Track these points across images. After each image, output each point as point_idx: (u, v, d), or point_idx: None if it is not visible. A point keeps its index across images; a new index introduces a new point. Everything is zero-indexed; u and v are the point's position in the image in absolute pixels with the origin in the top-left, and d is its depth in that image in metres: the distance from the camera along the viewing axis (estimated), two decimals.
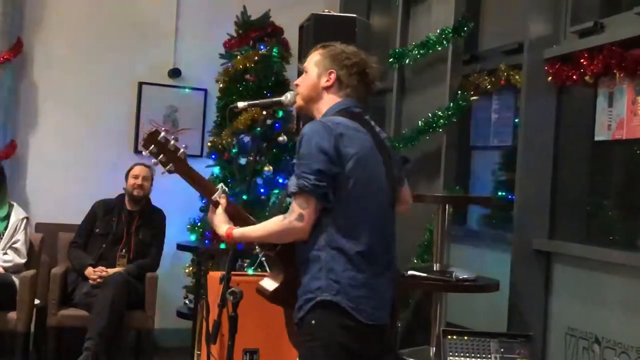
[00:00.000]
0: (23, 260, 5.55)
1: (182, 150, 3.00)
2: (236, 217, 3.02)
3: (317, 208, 2.75)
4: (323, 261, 2.77)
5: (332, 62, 2.98)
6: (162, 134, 2.93)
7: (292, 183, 2.76)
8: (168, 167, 2.97)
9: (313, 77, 3.01)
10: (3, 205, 5.62)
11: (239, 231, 2.92)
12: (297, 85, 3.09)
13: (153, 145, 2.96)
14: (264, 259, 4.74)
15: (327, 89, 2.99)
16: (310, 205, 2.73)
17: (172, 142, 2.97)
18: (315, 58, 3.04)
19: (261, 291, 3.08)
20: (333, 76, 2.97)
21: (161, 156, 2.94)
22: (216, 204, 2.96)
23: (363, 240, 2.80)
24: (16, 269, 5.47)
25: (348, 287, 2.75)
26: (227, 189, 3.01)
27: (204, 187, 3.03)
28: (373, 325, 2.79)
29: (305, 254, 2.82)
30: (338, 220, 2.77)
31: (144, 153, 2.97)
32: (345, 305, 2.74)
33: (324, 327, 2.75)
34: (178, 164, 2.95)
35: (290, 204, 2.79)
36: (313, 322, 2.77)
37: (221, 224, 2.95)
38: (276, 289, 3.00)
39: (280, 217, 2.80)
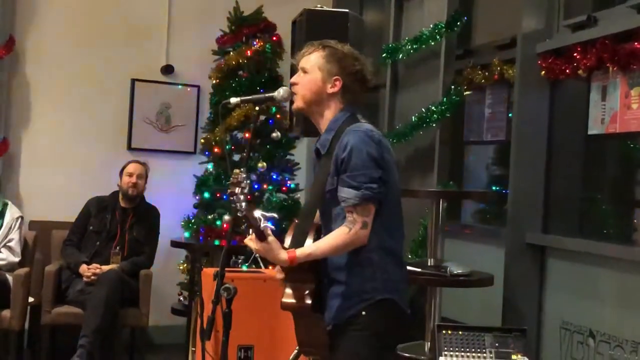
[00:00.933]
0: (17, 259, 5.54)
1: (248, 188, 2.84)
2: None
3: (374, 214, 2.85)
4: (376, 263, 2.90)
5: (338, 68, 2.98)
6: (242, 173, 2.79)
7: (352, 195, 2.81)
8: (244, 208, 2.78)
9: (317, 80, 2.99)
10: None
11: (303, 252, 2.88)
12: (294, 84, 3.07)
13: (238, 188, 2.78)
14: (257, 255, 4.75)
15: (331, 95, 2.99)
16: (371, 212, 2.84)
17: (247, 181, 2.82)
18: (317, 60, 3.01)
19: (294, 305, 2.99)
20: (339, 84, 2.98)
21: (242, 198, 2.78)
22: (263, 233, 2.85)
23: (400, 239, 3.00)
24: (10, 268, 5.46)
25: (399, 283, 2.95)
26: (265, 214, 2.92)
27: (253, 220, 2.85)
28: (409, 315, 3.02)
29: (354, 258, 2.90)
30: (384, 222, 2.89)
31: (231, 197, 2.82)
32: (398, 300, 2.92)
33: (374, 318, 2.88)
34: (250, 205, 2.85)
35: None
36: (363, 313, 2.88)
37: (279, 250, 2.87)
38: (314, 296, 2.96)
39: (345, 229, 2.84)
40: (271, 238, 2.87)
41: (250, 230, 2.88)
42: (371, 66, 3.10)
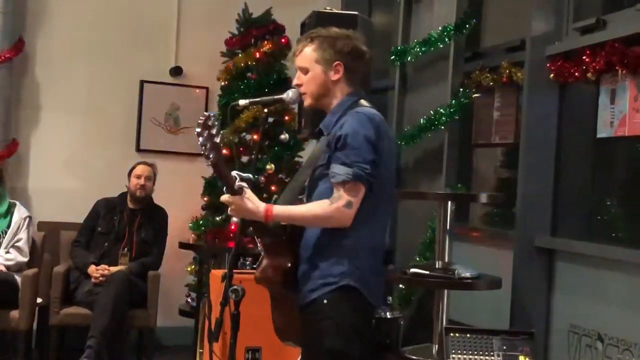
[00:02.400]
0: (25, 259, 5.55)
1: (220, 135, 2.76)
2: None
3: (362, 196, 2.81)
4: (347, 248, 2.85)
5: (333, 52, 2.99)
6: (212, 118, 2.71)
7: (342, 172, 2.78)
8: (210, 156, 2.73)
9: (319, 74, 3.01)
10: (3, 202, 5.62)
11: (279, 208, 2.88)
12: (298, 85, 3.07)
13: (206, 132, 2.71)
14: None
15: (336, 81, 3.00)
16: (359, 193, 2.80)
17: (216, 127, 2.73)
18: (311, 54, 3.02)
19: (266, 278, 3.02)
20: (341, 68, 2.99)
21: (207, 145, 2.71)
22: (239, 192, 2.85)
23: (381, 230, 2.95)
24: (18, 268, 5.47)
25: (368, 273, 2.87)
26: (242, 174, 2.88)
27: (227, 178, 2.86)
28: (375, 309, 3.00)
29: (326, 238, 2.87)
30: (365, 207, 2.84)
31: (199, 140, 2.75)
32: (363, 291, 2.85)
33: (337, 307, 2.84)
34: (214, 152, 2.78)
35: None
36: (325, 301, 2.84)
37: (256, 203, 2.86)
38: (287, 273, 2.96)
39: (327, 201, 2.82)
40: (248, 193, 2.84)
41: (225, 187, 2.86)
42: (362, 36, 3.09)
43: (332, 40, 3.00)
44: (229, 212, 2.93)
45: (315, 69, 3.01)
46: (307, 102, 3.07)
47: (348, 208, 2.78)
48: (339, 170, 2.80)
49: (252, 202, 2.86)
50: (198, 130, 2.69)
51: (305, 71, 3.04)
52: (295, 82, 3.11)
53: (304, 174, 3.07)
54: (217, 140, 2.72)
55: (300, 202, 3.04)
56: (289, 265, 2.97)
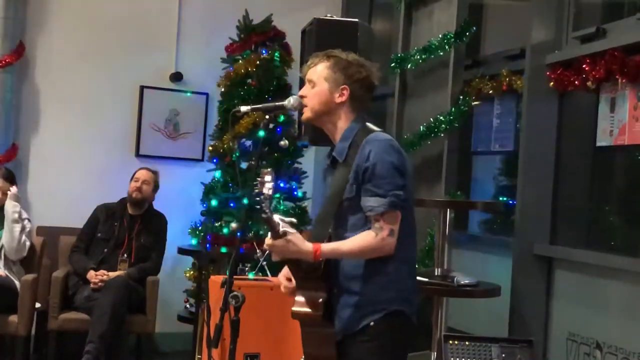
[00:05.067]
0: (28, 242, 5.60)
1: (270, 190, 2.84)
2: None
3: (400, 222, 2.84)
4: (390, 272, 2.87)
5: (344, 76, 2.98)
6: (269, 173, 2.83)
7: (378, 203, 2.80)
8: (267, 212, 2.78)
9: (324, 91, 3.00)
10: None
11: (328, 247, 2.88)
12: (303, 97, 3.07)
13: (263, 186, 2.80)
14: (264, 263, 4.75)
15: (340, 104, 2.99)
16: (398, 220, 2.83)
17: (269, 184, 2.82)
18: (323, 71, 3.02)
19: (305, 313, 2.97)
20: (346, 92, 2.97)
21: (266, 202, 2.79)
22: (283, 235, 2.84)
23: (414, 247, 2.99)
24: (28, 234, 5.58)
25: (410, 294, 2.92)
26: (284, 218, 2.88)
27: (273, 224, 2.85)
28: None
29: (369, 267, 2.88)
30: (401, 231, 2.85)
31: (260, 198, 2.79)
32: (409, 312, 2.90)
33: (384, 330, 2.87)
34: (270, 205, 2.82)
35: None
36: (372, 324, 2.86)
37: (303, 244, 2.85)
38: (325, 304, 2.94)
39: (372, 233, 2.82)
40: (291, 235, 2.84)
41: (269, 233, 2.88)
42: (378, 70, 3.09)
43: (346, 64, 3.00)
44: (272, 257, 2.95)
45: (322, 86, 3.00)
46: (306, 114, 3.06)
47: (392, 237, 2.82)
48: (374, 203, 2.81)
49: (299, 244, 2.86)
50: (256, 190, 2.78)
51: (312, 85, 3.03)
52: (300, 92, 3.10)
53: (331, 206, 3.05)
54: (270, 192, 2.81)
55: (333, 235, 3.02)
56: (326, 298, 2.95)
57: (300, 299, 2.97)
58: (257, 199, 2.77)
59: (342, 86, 2.98)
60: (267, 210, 2.76)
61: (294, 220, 2.93)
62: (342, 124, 3.00)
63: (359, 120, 2.99)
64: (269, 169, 2.85)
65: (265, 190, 2.78)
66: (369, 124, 2.99)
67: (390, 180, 2.81)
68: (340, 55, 3.04)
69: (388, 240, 2.81)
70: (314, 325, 2.99)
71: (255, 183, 2.81)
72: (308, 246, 2.85)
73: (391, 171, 2.82)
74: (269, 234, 2.87)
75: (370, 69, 3.04)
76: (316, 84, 3.02)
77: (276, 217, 2.84)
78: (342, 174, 2.94)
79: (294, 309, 2.97)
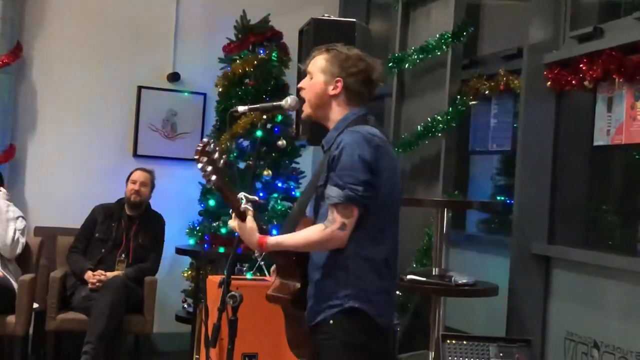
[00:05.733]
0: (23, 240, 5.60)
1: (223, 159, 2.88)
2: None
3: (357, 218, 2.79)
4: (351, 269, 2.83)
5: (339, 69, 2.97)
6: (212, 144, 2.82)
7: (335, 194, 2.77)
8: (211, 179, 2.83)
9: (319, 83, 3.00)
10: None
11: (273, 239, 2.90)
12: (301, 88, 3.07)
13: (205, 157, 2.83)
14: (262, 263, 4.75)
15: (334, 96, 2.98)
16: (353, 215, 2.78)
17: (217, 152, 2.84)
18: (320, 63, 3.02)
19: (277, 297, 3.06)
20: (340, 84, 2.96)
21: (208, 168, 2.83)
22: (244, 214, 2.90)
23: (387, 248, 2.89)
24: (22, 232, 5.57)
25: (374, 294, 2.84)
26: (248, 195, 2.92)
27: (232, 201, 2.93)
28: (388, 328, 2.92)
29: (331, 260, 2.86)
30: (368, 228, 2.83)
31: (198, 166, 2.85)
32: (370, 312, 2.83)
33: (343, 327, 2.83)
34: (218, 176, 2.85)
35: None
36: (331, 322, 2.83)
37: (253, 232, 2.90)
38: (296, 292, 2.98)
39: (321, 226, 2.81)
40: (249, 219, 2.89)
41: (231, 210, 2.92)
42: (381, 66, 3.06)
43: (344, 57, 2.98)
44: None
45: (317, 77, 3.00)
46: (305, 110, 3.07)
47: (341, 230, 2.78)
48: (332, 192, 2.79)
49: (249, 230, 2.89)
50: (196, 156, 2.77)
51: (310, 77, 3.04)
52: (299, 84, 3.11)
53: (309, 191, 3.08)
54: (220, 164, 2.80)
55: (306, 219, 3.03)
56: (298, 286, 2.98)
57: (276, 282, 3.06)
58: (199, 166, 2.79)
59: (337, 78, 2.97)
60: (213, 178, 2.78)
61: (256, 198, 2.95)
62: (336, 115, 2.99)
63: (359, 111, 2.97)
64: (210, 139, 2.85)
65: (204, 160, 2.78)
66: (370, 117, 2.97)
67: (352, 173, 2.77)
68: (341, 49, 3.03)
69: (337, 233, 2.78)
70: (288, 311, 3.06)
71: (195, 151, 2.80)
72: (255, 238, 2.88)
73: (356, 164, 2.78)
74: (230, 211, 2.93)
75: (371, 64, 3.01)
76: (313, 75, 3.02)
77: (241, 194, 2.90)
78: (323, 162, 2.95)
79: (268, 292, 3.05)
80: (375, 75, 3.01)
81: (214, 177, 2.80)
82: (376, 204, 2.82)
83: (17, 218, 5.63)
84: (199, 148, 2.78)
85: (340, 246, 2.81)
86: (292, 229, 2.95)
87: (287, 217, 3.08)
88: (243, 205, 2.89)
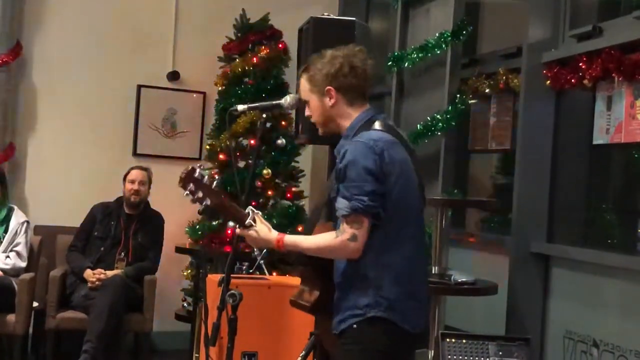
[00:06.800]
0: (24, 264, 5.54)
1: (215, 182, 2.92)
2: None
3: (369, 227, 2.77)
4: (371, 278, 2.81)
5: (323, 79, 2.94)
6: (198, 170, 2.86)
7: (343, 205, 2.76)
8: (205, 202, 2.89)
9: (315, 104, 2.98)
10: (3, 208, 5.62)
11: (290, 239, 2.91)
12: (309, 117, 3.06)
13: (191, 184, 2.87)
14: (262, 262, 4.76)
15: (335, 106, 2.95)
16: (363, 225, 2.76)
17: (207, 177, 2.88)
18: (306, 86, 3.00)
19: (297, 303, 3.09)
20: (333, 92, 2.93)
21: (199, 193, 2.87)
22: (249, 226, 2.93)
23: (407, 252, 2.85)
24: (16, 273, 5.46)
25: (396, 301, 2.81)
26: (255, 210, 2.95)
27: (236, 216, 2.95)
28: (416, 332, 2.89)
29: (351, 270, 2.85)
30: (384, 235, 2.80)
31: (184, 194, 2.89)
32: (393, 320, 2.80)
33: (366, 333, 2.82)
34: (213, 198, 2.89)
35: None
36: (354, 326, 2.82)
37: (267, 232, 2.93)
38: (318, 299, 3.00)
39: (333, 234, 2.81)
40: (259, 221, 2.94)
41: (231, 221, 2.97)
42: (360, 51, 3.00)
43: (320, 66, 2.95)
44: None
45: (312, 99, 2.99)
46: (320, 131, 3.07)
47: (352, 241, 2.76)
48: (340, 204, 2.78)
49: (262, 234, 2.93)
50: (180, 184, 2.84)
51: (307, 103, 3.02)
52: (306, 113, 3.09)
53: (323, 198, 3.09)
54: (214, 186, 2.86)
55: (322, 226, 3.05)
56: (317, 294, 3.01)
57: (300, 288, 3.11)
58: (186, 193, 2.85)
59: (327, 88, 2.93)
60: (208, 202, 2.86)
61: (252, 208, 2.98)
62: (345, 122, 2.97)
63: (365, 115, 2.94)
64: (196, 166, 2.90)
65: (191, 187, 2.85)
66: (375, 123, 2.91)
67: (358, 184, 2.75)
68: (315, 60, 3.00)
69: (348, 244, 2.77)
70: (321, 314, 3.08)
71: (180, 179, 2.86)
72: (272, 235, 2.92)
73: (361, 175, 2.75)
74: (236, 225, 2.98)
75: (348, 54, 2.96)
76: (308, 100, 3.01)
77: (249, 209, 2.94)
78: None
79: (291, 297, 3.11)
80: (357, 60, 2.95)
81: (208, 201, 2.85)
82: (388, 210, 2.79)
83: (23, 231, 5.61)
84: (182, 175, 2.84)
85: (354, 257, 2.80)
86: (309, 232, 2.98)
87: (306, 223, 3.09)
88: (248, 221, 2.92)
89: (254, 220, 2.93)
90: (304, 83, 3.01)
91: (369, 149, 2.79)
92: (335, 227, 2.88)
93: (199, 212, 6.30)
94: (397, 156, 2.84)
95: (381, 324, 2.80)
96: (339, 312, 2.89)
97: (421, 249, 2.95)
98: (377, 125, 2.90)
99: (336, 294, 2.93)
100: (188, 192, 2.86)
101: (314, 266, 2.99)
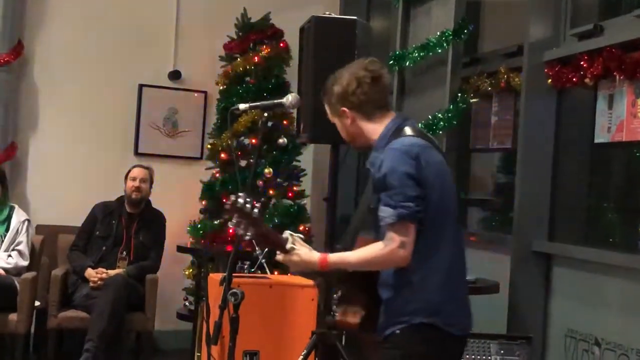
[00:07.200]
0: (26, 263, 5.54)
1: (256, 210, 2.87)
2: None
3: (415, 233, 2.75)
4: (415, 283, 2.79)
5: (337, 101, 2.95)
6: (240, 200, 2.82)
7: (388, 214, 2.72)
8: (250, 233, 2.85)
9: (339, 124, 3.00)
10: (4, 208, 5.63)
11: (334, 257, 2.88)
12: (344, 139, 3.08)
13: (236, 215, 2.84)
14: (263, 261, 4.77)
15: (354, 124, 2.95)
16: (410, 232, 2.73)
17: (248, 206, 2.84)
18: (327, 111, 3.03)
19: (344, 323, 3.03)
20: (347, 112, 2.94)
21: (243, 224, 2.84)
22: (290, 251, 2.89)
23: (448, 255, 2.83)
24: (18, 272, 5.46)
25: (441, 304, 2.79)
26: (293, 233, 2.92)
27: (276, 242, 2.92)
28: (464, 335, 2.90)
29: (396, 277, 2.82)
30: (426, 240, 2.77)
31: (230, 224, 2.87)
32: (440, 324, 2.78)
33: (408, 339, 2.79)
34: (256, 227, 2.86)
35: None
36: (398, 331, 2.80)
37: (310, 255, 2.89)
38: (365, 317, 2.95)
39: (380, 244, 2.77)
40: (298, 249, 2.88)
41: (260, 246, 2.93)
42: (365, 61, 2.98)
43: (331, 90, 2.97)
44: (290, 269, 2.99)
45: (335, 121, 3.01)
46: (355, 147, 3.08)
47: (402, 249, 2.73)
48: (384, 213, 2.74)
49: (304, 256, 2.88)
50: (226, 216, 2.81)
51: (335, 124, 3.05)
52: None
53: (361, 214, 3.08)
54: (255, 215, 2.81)
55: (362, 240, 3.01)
56: (363, 313, 2.95)
57: (342, 309, 3.01)
58: (233, 223, 2.80)
59: (340, 110, 2.95)
60: (249, 233, 2.81)
61: (301, 235, 2.94)
62: (372, 135, 2.94)
63: (390, 128, 2.91)
64: (238, 196, 2.83)
65: (237, 216, 2.79)
66: (405, 128, 2.89)
67: (400, 190, 2.72)
68: (329, 83, 3.00)
69: (398, 252, 2.73)
70: (370, 331, 3.01)
71: (224, 210, 2.82)
72: (314, 256, 2.86)
73: (403, 181, 2.72)
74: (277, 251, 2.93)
75: (354, 70, 2.95)
76: (335, 122, 3.03)
77: (287, 233, 2.89)
78: (369, 184, 2.94)
79: (337, 318, 3.02)
80: (364, 73, 2.93)
81: (251, 232, 2.81)
82: (429, 213, 2.77)
83: (24, 230, 5.62)
84: (227, 207, 2.80)
85: (404, 264, 2.76)
86: (350, 248, 2.93)
87: (343, 237, 3.06)
88: (288, 245, 2.88)
89: (294, 244, 2.89)
90: (326, 107, 3.04)
91: (405, 154, 2.77)
92: (376, 240, 2.84)
93: (200, 211, 6.31)
94: (432, 159, 2.82)
95: (427, 329, 2.78)
96: (385, 319, 2.86)
97: (461, 252, 2.93)
98: (407, 131, 2.88)
99: (383, 305, 2.89)
100: (233, 224, 2.82)
101: (355, 284, 2.95)
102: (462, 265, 2.95)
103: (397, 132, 2.88)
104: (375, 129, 2.93)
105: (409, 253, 2.73)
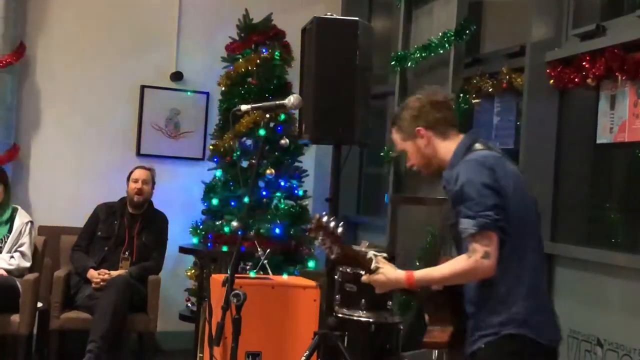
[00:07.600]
0: (28, 264, 5.55)
1: (340, 229, 2.89)
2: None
3: (498, 242, 2.72)
4: (501, 294, 2.77)
5: (411, 123, 2.99)
6: (324, 219, 2.84)
7: (468, 225, 2.71)
8: (335, 252, 2.88)
9: (412, 150, 3.02)
10: (6, 209, 5.63)
11: (420, 273, 2.87)
12: (412, 165, 3.10)
13: (321, 233, 2.86)
14: (265, 262, 4.76)
15: (429, 145, 2.98)
16: (493, 241, 2.71)
17: (332, 225, 2.86)
18: (397, 137, 3.06)
19: (433, 344, 3.04)
20: (423, 131, 2.97)
21: (327, 242, 2.86)
22: (375, 271, 2.90)
23: (532, 265, 2.81)
24: (20, 273, 5.47)
25: (528, 315, 2.77)
26: (376, 253, 2.93)
27: (361, 262, 2.94)
28: (552, 345, 2.87)
29: (480, 291, 2.81)
30: (509, 250, 2.76)
31: (316, 243, 2.89)
32: (529, 335, 2.76)
33: (500, 353, 2.78)
34: (340, 246, 2.88)
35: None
36: (483, 345, 2.79)
37: (395, 274, 2.89)
38: (453, 334, 2.94)
39: (464, 257, 2.75)
40: (382, 267, 2.89)
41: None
42: (439, 89, 3.08)
43: (403, 113, 3.02)
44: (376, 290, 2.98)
45: (407, 147, 3.03)
46: (425, 173, 3.10)
47: (486, 259, 2.70)
48: (465, 225, 2.73)
49: (390, 275, 2.89)
50: (312, 235, 2.82)
51: (406, 152, 3.06)
52: (407, 165, 3.13)
53: (443, 231, 3.09)
54: (338, 232, 2.83)
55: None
56: (451, 330, 2.94)
57: (430, 329, 2.99)
58: (318, 242, 2.83)
59: (415, 130, 2.97)
60: (335, 251, 2.84)
61: (385, 254, 2.96)
62: (445, 155, 2.96)
63: (466, 142, 2.94)
64: (322, 214, 2.86)
65: (322, 234, 2.81)
66: (476, 144, 2.91)
67: (479, 200, 2.70)
68: (399, 111, 3.07)
69: (482, 262, 2.70)
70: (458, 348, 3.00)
71: (309, 230, 2.85)
72: (400, 275, 2.87)
73: (481, 191, 2.71)
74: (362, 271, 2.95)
75: (428, 93, 3.02)
76: (406, 149, 3.05)
77: (370, 253, 2.91)
78: (447, 200, 2.94)
79: (425, 339, 2.99)
80: (437, 96, 3.00)
81: (336, 250, 2.83)
82: (511, 224, 2.75)
83: (27, 232, 5.62)
84: (312, 225, 2.81)
85: (488, 275, 2.73)
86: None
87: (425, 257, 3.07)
88: (374, 264, 2.89)
89: (379, 263, 2.89)
90: (395, 136, 3.06)
91: (481, 165, 2.77)
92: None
93: (203, 212, 6.31)
94: (507, 169, 2.83)
95: (516, 340, 2.75)
96: (473, 334, 2.84)
97: (542, 261, 2.91)
98: (478, 146, 2.90)
99: (470, 321, 2.88)
100: (318, 242, 2.84)
101: (442, 301, 2.95)
102: (545, 276, 2.94)
103: (468, 150, 2.90)
104: (449, 148, 2.95)
105: (494, 263, 2.70)
